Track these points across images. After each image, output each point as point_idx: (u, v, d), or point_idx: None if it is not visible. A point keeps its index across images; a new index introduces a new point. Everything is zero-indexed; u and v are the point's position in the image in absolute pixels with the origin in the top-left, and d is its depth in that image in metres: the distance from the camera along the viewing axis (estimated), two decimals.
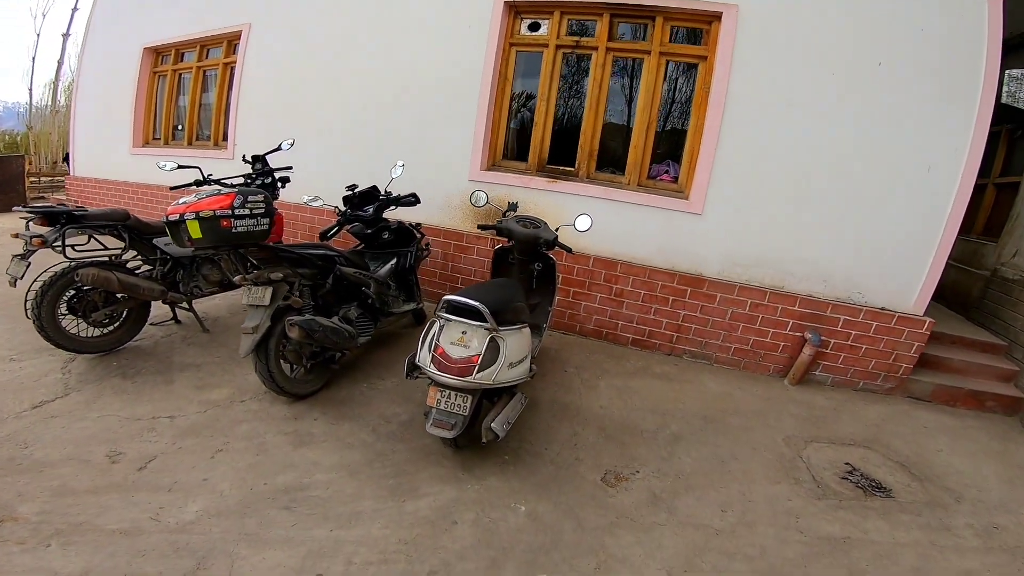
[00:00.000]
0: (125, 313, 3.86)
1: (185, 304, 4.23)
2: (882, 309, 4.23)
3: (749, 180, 4.38)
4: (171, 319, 4.44)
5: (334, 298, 3.67)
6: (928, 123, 3.93)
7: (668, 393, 3.94)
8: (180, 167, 4.16)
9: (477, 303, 2.55)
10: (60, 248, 3.44)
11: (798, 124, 4.21)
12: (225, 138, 6.83)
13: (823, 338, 4.29)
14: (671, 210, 4.61)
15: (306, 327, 3.01)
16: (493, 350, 2.60)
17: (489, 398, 2.92)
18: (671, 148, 4.88)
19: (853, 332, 4.29)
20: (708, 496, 2.84)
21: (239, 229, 2.88)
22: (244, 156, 4.50)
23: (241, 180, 4.27)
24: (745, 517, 2.70)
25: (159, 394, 3.38)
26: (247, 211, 2.91)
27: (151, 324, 4.20)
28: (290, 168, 4.47)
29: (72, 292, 3.53)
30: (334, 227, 3.89)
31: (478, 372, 2.56)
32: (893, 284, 4.21)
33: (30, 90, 18.71)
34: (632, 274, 4.70)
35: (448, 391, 2.67)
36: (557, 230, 3.64)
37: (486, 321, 2.56)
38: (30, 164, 12.95)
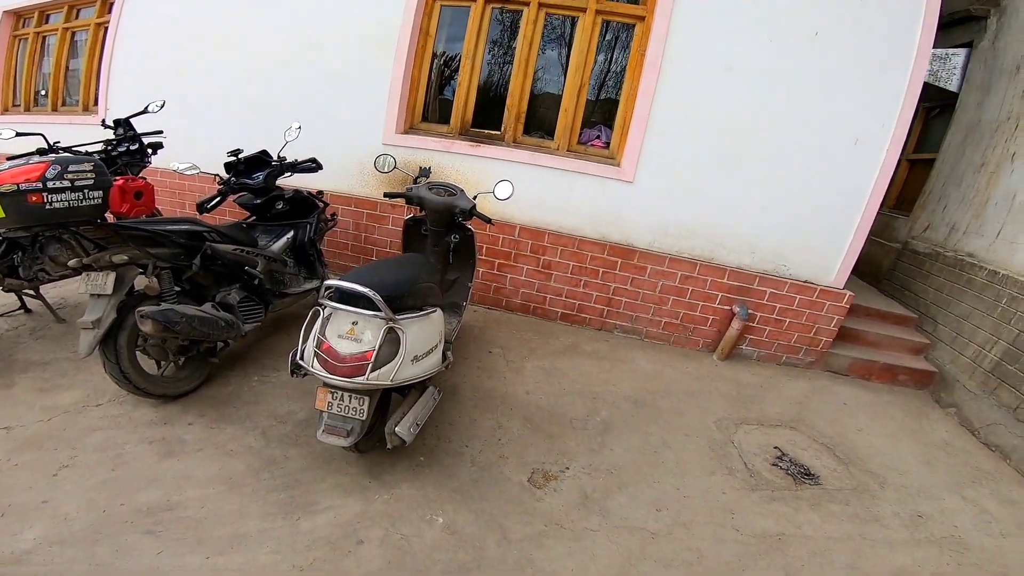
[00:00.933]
0: None
1: (31, 291, 3.51)
2: (805, 282, 4.22)
3: (682, 147, 4.17)
4: (19, 309, 3.69)
5: (210, 280, 3.13)
6: (859, 95, 3.85)
7: (598, 374, 3.74)
8: (19, 135, 3.51)
9: (366, 289, 2.10)
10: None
11: (734, 90, 4.00)
12: (96, 103, 5.90)
13: (750, 312, 4.24)
14: (602, 177, 4.33)
15: (161, 319, 2.48)
16: (391, 344, 2.19)
17: (399, 391, 2.54)
18: (604, 117, 4.57)
19: (778, 305, 4.27)
20: (642, 493, 2.65)
21: (56, 205, 2.32)
22: (104, 120, 3.77)
23: (99, 148, 3.54)
24: (681, 516, 2.53)
25: None
26: (67, 183, 2.34)
27: None
28: (160, 133, 3.81)
29: None
30: (215, 197, 3.33)
31: (372, 371, 2.14)
32: (816, 257, 4.20)
33: None
34: (561, 244, 4.42)
35: (340, 392, 2.26)
36: (475, 198, 3.23)
37: (380, 310, 2.15)
38: None
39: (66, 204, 2.34)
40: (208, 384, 3.08)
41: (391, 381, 2.19)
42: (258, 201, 3.57)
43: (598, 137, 4.53)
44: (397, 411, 2.44)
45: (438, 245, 3.26)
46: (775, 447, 3.20)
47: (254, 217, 3.69)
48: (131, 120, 3.87)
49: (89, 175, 2.41)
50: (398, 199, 3.36)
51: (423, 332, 2.36)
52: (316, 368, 2.19)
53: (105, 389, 2.88)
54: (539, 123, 4.65)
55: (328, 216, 4.07)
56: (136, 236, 2.62)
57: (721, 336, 4.36)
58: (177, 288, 2.86)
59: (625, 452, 2.95)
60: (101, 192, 2.46)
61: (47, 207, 2.29)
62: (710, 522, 2.52)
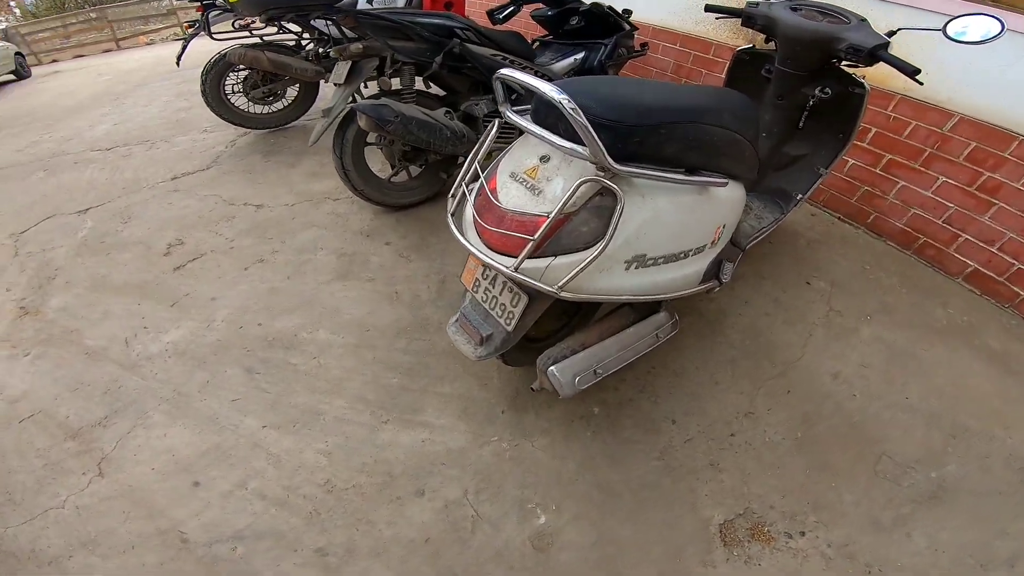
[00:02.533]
0: (289, 93, 3.57)
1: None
2: None
3: None
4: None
5: (465, 86, 2.60)
6: None
7: (990, 393, 1.66)
8: None
9: (561, 95, 0.98)
10: (208, 32, 3.16)
11: None
12: None
13: None
14: None
15: (373, 114, 2.08)
16: (594, 216, 1.13)
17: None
18: None
19: None
20: None
21: None
22: None
23: None
24: None
25: (272, 179, 2.97)
26: None
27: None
28: None
29: (243, 72, 3.32)
30: (508, 7, 2.87)
31: (528, 257, 1.11)
32: None
33: None
34: None
35: (491, 272, 1.36)
36: (892, 35, 1.64)
37: (584, 147, 1.03)
38: None
39: None
40: (435, 202, 2.64)
41: (556, 287, 1.12)
42: (550, 13, 2.85)
43: None
44: (576, 335, 1.46)
45: (785, 97, 1.91)
46: None
47: (551, 36, 3.00)
48: None
49: None
50: (729, 18, 2.01)
51: (674, 214, 1.24)
52: (466, 218, 1.31)
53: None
54: None
55: (634, 45, 2.97)
56: (380, 27, 2.26)
57: None
58: (413, 89, 2.41)
59: (941, 552, 1.27)
60: None
61: None
62: None
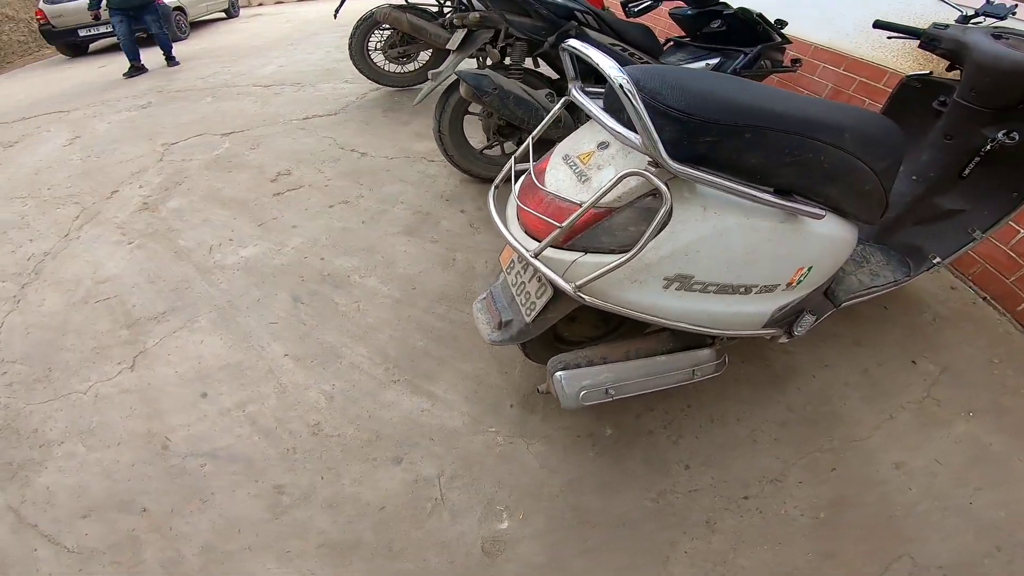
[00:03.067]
0: (422, 56, 3.66)
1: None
2: None
3: None
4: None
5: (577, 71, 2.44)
6: None
7: None
8: None
9: (619, 73, 0.82)
10: None
11: None
12: None
13: None
14: None
15: (472, 83, 2.07)
16: (637, 215, 0.96)
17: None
18: None
19: None
20: None
21: None
22: None
23: None
24: None
25: (383, 132, 3.08)
26: None
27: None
28: None
29: (387, 31, 3.47)
30: (644, 1, 2.67)
31: (556, 247, 0.98)
32: None
33: None
34: None
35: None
36: None
37: (641, 140, 0.84)
38: None
39: None
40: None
41: (573, 286, 0.96)
42: (690, 12, 2.62)
43: None
44: (600, 346, 1.28)
45: (955, 136, 1.58)
46: None
47: (688, 38, 2.76)
48: None
49: None
50: (903, 38, 1.71)
51: (741, 238, 1.02)
52: (512, 195, 1.16)
53: None
54: None
55: (783, 59, 2.61)
56: (500, 1, 2.24)
57: None
58: (520, 66, 2.36)
59: None
60: None
61: None
62: None
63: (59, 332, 1.74)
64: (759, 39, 2.54)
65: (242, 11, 9.47)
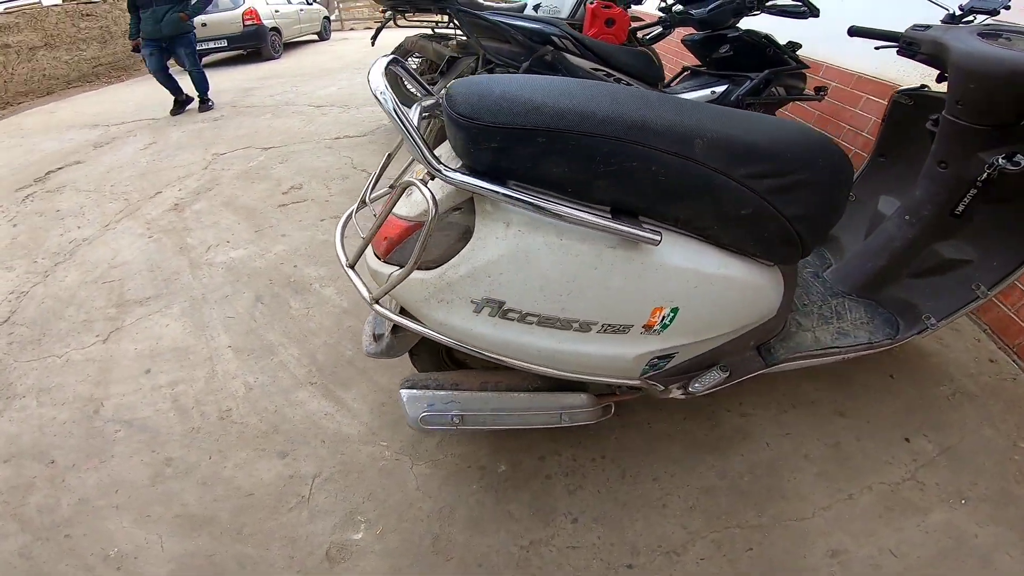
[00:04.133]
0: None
1: None
2: None
3: None
4: None
5: None
6: None
7: None
8: None
9: (452, 90, 0.86)
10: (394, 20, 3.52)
11: None
12: None
13: None
14: None
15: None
16: (441, 232, 0.93)
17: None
18: None
19: None
20: None
21: None
22: None
23: None
24: None
25: (400, 155, 3.29)
26: None
27: None
28: None
29: (418, 58, 3.66)
30: (654, 28, 2.68)
31: (383, 260, 0.99)
32: None
33: None
34: None
35: None
36: None
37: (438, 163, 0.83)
38: None
39: None
40: None
41: (370, 294, 0.98)
42: (696, 38, 2.54)
43: None
44: (457, 372, 1.32)
45: (950, 163, 1.34)
46: None
47: (703, 66, 2.71)
48: None
49: None
50: (886, 46, 1.56)
51: (556, 262, 0.91)
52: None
53: None
54: None
55: (802, 87, 2.49)
56: (476, 25, 2.43)
57: None
58: None
59: None
60: None
61: None
62: None
63: (65, 304, 2.04)
64: (769, 63, 2.43)
65: (333, 35, 10.39)
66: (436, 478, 1.36)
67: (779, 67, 2.37)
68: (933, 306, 1.43)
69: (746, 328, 1.18)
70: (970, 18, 1.43)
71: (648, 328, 1.02)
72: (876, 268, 1.54)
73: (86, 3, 7.70)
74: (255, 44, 7.48)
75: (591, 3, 2.67)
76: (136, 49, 4.50)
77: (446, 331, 0.98)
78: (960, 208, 1.34)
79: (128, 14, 4.40)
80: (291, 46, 8.71)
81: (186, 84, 4.73)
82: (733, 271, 1.02)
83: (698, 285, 1.00)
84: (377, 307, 0.98)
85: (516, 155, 0.84)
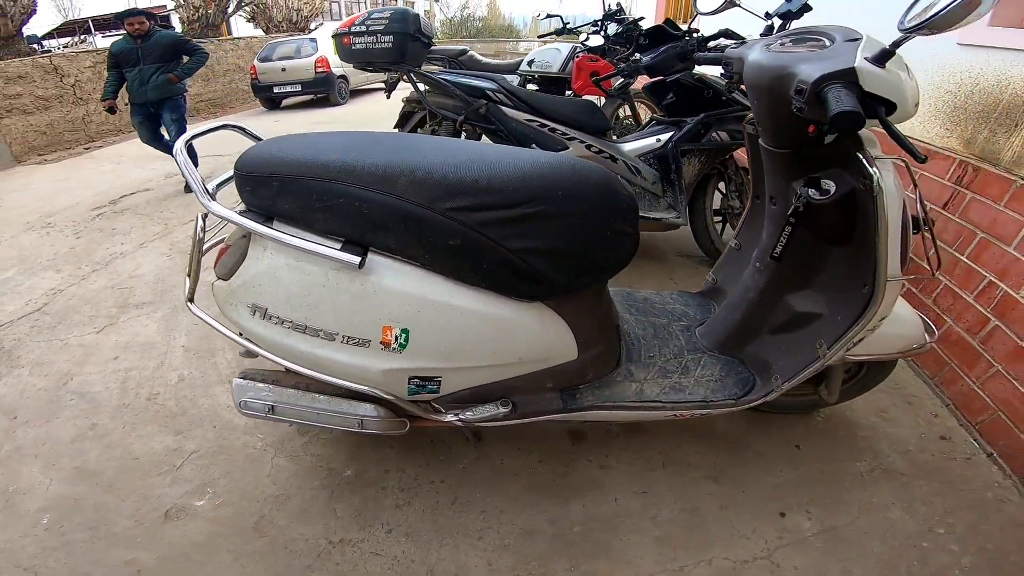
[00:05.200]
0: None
1: None
2: None
3: None
4: None
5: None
6: None
7: None
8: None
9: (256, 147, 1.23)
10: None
11: None
12: None
13: None
14: None
15: None
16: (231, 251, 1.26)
17: None
18: None
19: None
20: None
21: (357, 46, 2.60)
22: None
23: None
24: None
25: None
26: (363, 28, 2.55)
27: None
28: None
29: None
30: (614, 76, 2.58)
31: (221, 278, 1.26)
32: None
33: None
34: None
35: None
36: (886, 57, 0.94)
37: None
38: None
39: (364, 46, 2.58)
40: None
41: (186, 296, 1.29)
42: (648, 86, 2.59)
43: None
44: (279, 372, 1.43)
45: (777, 197, 1.32)
46: None
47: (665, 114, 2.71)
48: None
49: (382, 22, 2.52)
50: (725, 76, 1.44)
51: (293, 279, 1.14)
52: None
53: None
54: None
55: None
56: (427, 82, 2.71)
57: None
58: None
59: None
60: (391, 37, 2.52)
61: (352, 48, 2.62)
62: None
63: (84, 302, 2.59)
64: (705, 107, 2.39)
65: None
66: (288, 471, 1.59)
67: (715, 111, 2.37)
68: (783, 365, 1.36)
69: (538, 367, 1.28)
70: (787, 24, 1.41)
71: (386, 345, 1.16)
72: (735, 323, 1.49)
73: None
74: (324, 90, 8.55)
75: (578, 58, 2.99)
76: (110, 110, 4.01)
77: (239, 328, 1.25)
78: (777, 250, 1.27)
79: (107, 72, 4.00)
80: (357, 93, 9.76)
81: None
82: (468, 302, 1.14)
83: (421, 310, 1.13)
84: (190, 305, 1.28)
85: (260, 195, 1.14)
